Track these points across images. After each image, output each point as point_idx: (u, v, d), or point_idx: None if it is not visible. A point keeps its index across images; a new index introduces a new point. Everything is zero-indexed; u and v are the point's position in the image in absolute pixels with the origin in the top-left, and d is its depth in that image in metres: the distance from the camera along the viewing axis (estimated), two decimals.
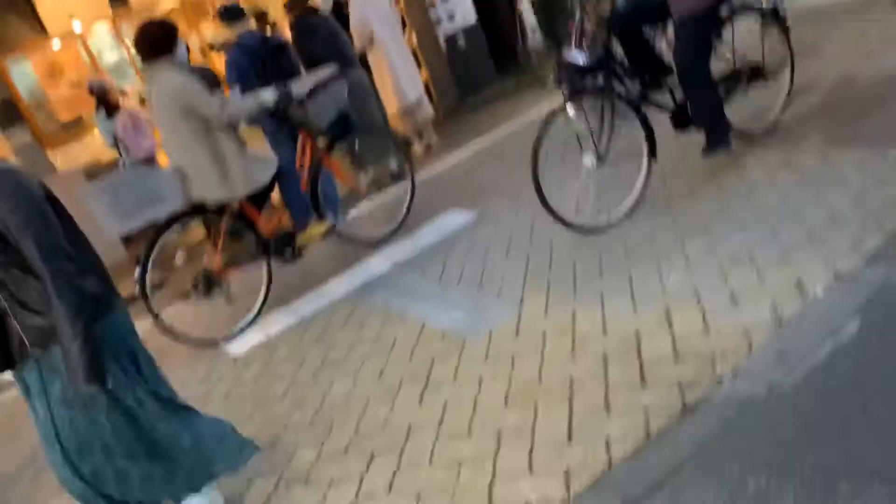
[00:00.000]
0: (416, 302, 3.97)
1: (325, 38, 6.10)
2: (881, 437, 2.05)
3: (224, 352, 4.30)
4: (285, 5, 6.34)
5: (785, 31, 4.30)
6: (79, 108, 8.28)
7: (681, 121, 4.13)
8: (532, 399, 2.77)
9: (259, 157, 4.69)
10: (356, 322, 4.04)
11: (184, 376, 3.96)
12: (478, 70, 8.41)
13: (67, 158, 8.04)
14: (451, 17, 8.21)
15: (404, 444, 2.82)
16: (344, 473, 2.79)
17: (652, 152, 3.94)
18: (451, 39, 8.27)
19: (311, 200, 4.87)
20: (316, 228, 4.88)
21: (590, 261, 3.65)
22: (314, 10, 6.46)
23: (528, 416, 2.69)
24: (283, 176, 4.67)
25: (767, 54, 4.26)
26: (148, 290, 4.19)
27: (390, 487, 2.62)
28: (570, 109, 3.84)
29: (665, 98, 4.14)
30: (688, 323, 2.86)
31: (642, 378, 2.65)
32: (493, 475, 2.47)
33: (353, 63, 6.25)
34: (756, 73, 4.27)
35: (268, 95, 4.37)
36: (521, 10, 8.40)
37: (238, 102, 4.33)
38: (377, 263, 4.71)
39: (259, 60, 5.30)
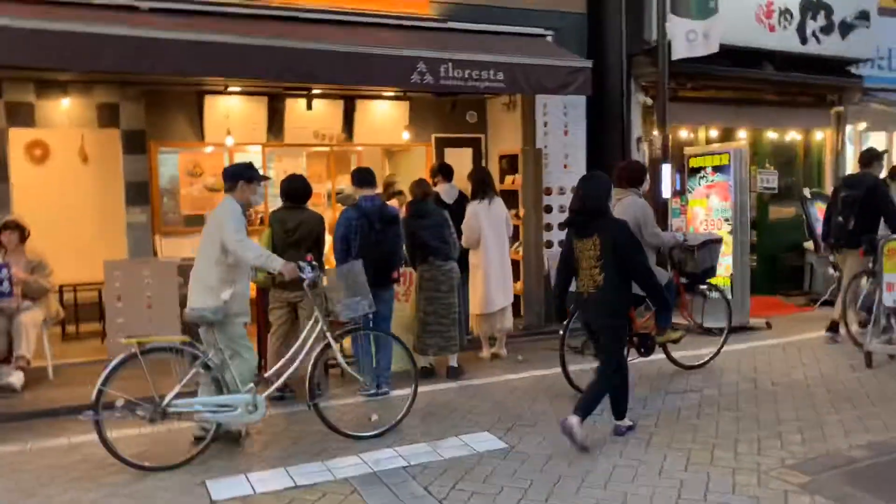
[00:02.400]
0: None
1: (432, 227, 6.35)
2: None
3: (208, 490, 4.11)
4: (413, 183, 6.66)
5: None
6: (202, 207, 8.84)
7: None
8: None
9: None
10: None
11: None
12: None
13: (171, 248, 8.46)
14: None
15: None
16: None
17: None
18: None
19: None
20: (673, 334, 6.11)
21: None
22: (436, 197, 6.81)
23: None
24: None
25: None
26: None
27: None
28: None
29: None
30: None
31: None
32: None
33: (449, 256, 6.42)
34: None
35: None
36: None
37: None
38: (390, 457, 4.49)
39: (367, 223, 5.68)
